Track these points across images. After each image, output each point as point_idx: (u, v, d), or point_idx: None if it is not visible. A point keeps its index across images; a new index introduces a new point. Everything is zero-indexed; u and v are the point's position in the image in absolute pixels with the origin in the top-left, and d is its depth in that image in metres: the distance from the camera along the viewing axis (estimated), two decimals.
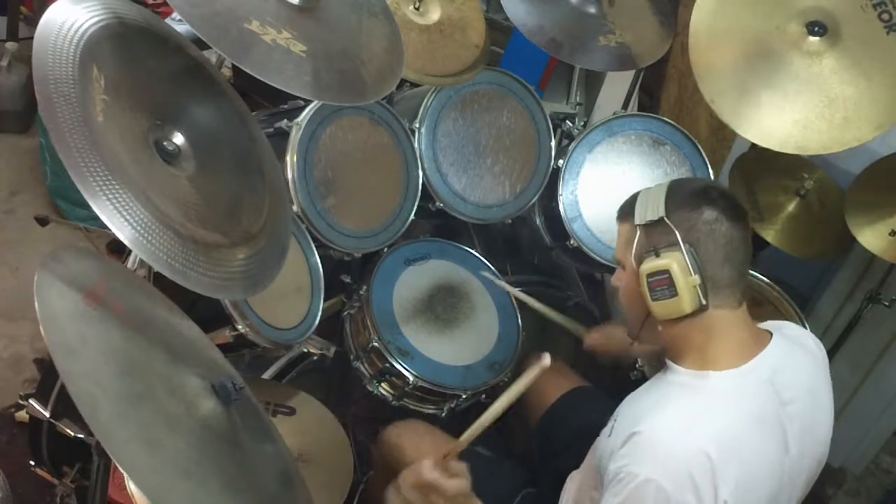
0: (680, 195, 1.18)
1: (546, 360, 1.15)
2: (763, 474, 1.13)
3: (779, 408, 1.15)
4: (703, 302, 1.14)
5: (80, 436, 1.36)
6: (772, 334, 1.22)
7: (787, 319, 1.74)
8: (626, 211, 1.25)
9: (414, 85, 1.97)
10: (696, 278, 1.13)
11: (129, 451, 0.81)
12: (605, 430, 1.24)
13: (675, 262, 1.14)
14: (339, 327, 1.80)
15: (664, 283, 1.15)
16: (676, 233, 1.15)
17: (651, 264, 1.16)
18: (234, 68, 2.27)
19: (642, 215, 1.19)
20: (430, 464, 1.15)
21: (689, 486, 1.04)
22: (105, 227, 0.90)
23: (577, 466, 1.38)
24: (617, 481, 1.09)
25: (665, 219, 1.16)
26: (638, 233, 1.19)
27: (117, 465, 0.77)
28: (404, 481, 1.17)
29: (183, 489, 0.84)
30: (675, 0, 2.20)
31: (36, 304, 0.83)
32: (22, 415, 1.93)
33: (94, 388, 0.82)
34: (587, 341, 1.71)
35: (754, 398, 1.14)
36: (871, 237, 1.80)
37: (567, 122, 2.09)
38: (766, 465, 1.13)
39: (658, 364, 1.28)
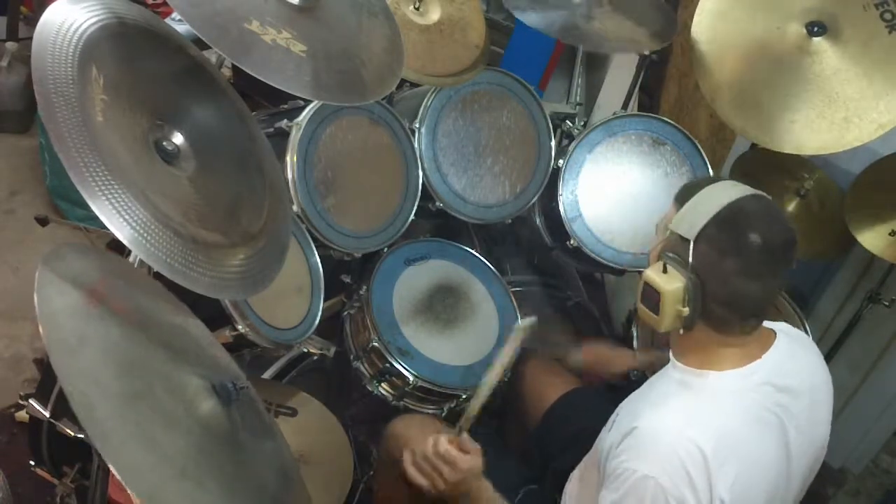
0: (720, 227, 1.11)
1: (528, 321, 1.18)
2: (762, 473, 1.13)
3: (779, 408, 1.15)
4: (683, 330, 1.15)
5: (80, 436, 1.36)
6: (776, 334, 1.22)
7: (787, 320, 1.74)
8: (680, 200, 1.19)
9: (414, 85, 1.97)
10: (686, 310, 1.13)
11: (125, 452, 0.80)
12: (607, 426, 1.24)
13: (672, 287, 1.12)
14: (339, 327, 1.80)
15: (653, 298, 1.15)
16: (691, 263, 1.12)
17: (653, 274, 1.15)
18: (234, 68, 2.27)
19: (679, 223, 1.15)
20: (445, 438, 1.18)
21: (686, 482, 1.05)
22: (105, 226, 0.90)
23: (575, 466, 1.38)
24: (615, 477, 1.10)
25: (692, 244, 1.12)
26: (669, 232, 1.17)
27: (112, 468, 0.77)
28: (419, 449, 1.20)
29: (179, 489, 0.84)
30: (674, 0, 2.20)
31: (35, 301, 0.83)
32: (22, 415, 1.94)
33: (92, 387, 0.82)
34: (582, 363, 1.70)
35: (754, 398, 1.14)
36: (871, 237, 1.80)
37: (567, 122, 2.09)
38: (764, 463, 1.14)
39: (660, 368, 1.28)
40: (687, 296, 1.13)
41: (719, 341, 1.16)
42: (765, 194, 1.17)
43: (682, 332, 1.17)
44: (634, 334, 1.80)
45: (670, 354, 1.23)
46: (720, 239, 1.11)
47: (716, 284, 1.12)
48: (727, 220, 1.12)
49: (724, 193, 1.14)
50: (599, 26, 1.78)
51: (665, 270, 1.14)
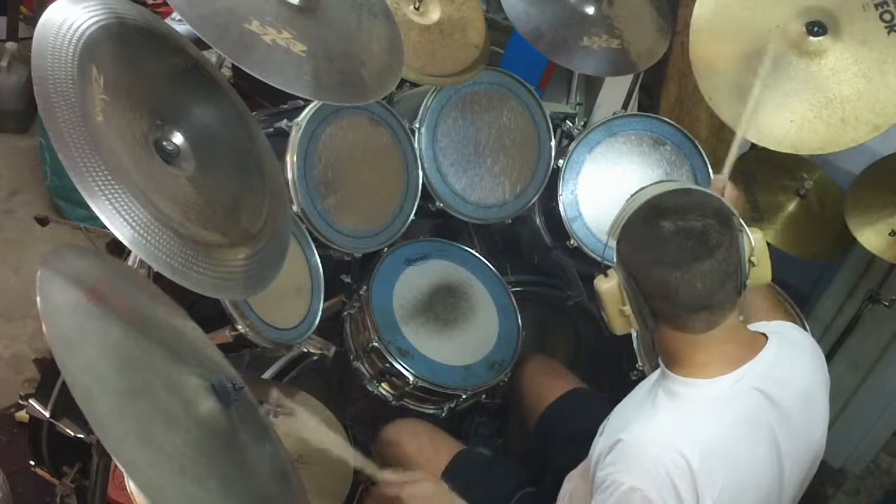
0: (636, 222, 1.14)
1: None
2: (751, 480, 1.13)
3: (769, 413, 1.14)
4: (635, 329, 1.18)
5: (79, 436, 1.36)
6: (767, 338, 1.21)
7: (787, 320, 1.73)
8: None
9: (414, 85, 1.97)
10: (627, 308, 1.15)
11: (126, 446, 0.80)
12: (599, 430, 1.25)
13: (606, 287, 1.16)
14: (339, 327, 1.80)
15: (601, 301, 1.18)
16: (617, 261, 1.16)
17: (597, 280, 1.19)
18: (234, 68, 2.27)
19: (612, 228, 1.19)
20: (388, 473, 1.22)
21: (672, 493, 1.05)
22: (105, 226, 0.90)
23: (574, 467, 1.38)
24: (603, 489, 1.10)
25: (617, 243, 1.17)
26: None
27: (114, 458, 0.77)
28: (377, 492, 1.23)
29: (178, 486, 0.84)
30: (674, 0, 2.20)
31: (37, 297, 0.83)
32: (22, 415, 1.93)
33: (93, 383, 0.82)
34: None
35: (742, 405, 1.13)
36: (871, 237, 1.80)
37: (567, 122, 2.09)
38: (754, 470, 1.13)
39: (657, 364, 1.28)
40: (622, 294, 1.15)
41: (692, 342, 1.14)
42: (698, 188, 1.18)
43: (648, 334, 1.18)
44: (633, 334, 1.79)
45: (660, 361, 1.22)
46: (635, 232, 1.14)
47: (642, 277, 1.13)
48: (642, 215, 1.14)
49: (649, 193, 1.16)
50: (588, 42, 1.79)
51: (606, 274, 1.18)
